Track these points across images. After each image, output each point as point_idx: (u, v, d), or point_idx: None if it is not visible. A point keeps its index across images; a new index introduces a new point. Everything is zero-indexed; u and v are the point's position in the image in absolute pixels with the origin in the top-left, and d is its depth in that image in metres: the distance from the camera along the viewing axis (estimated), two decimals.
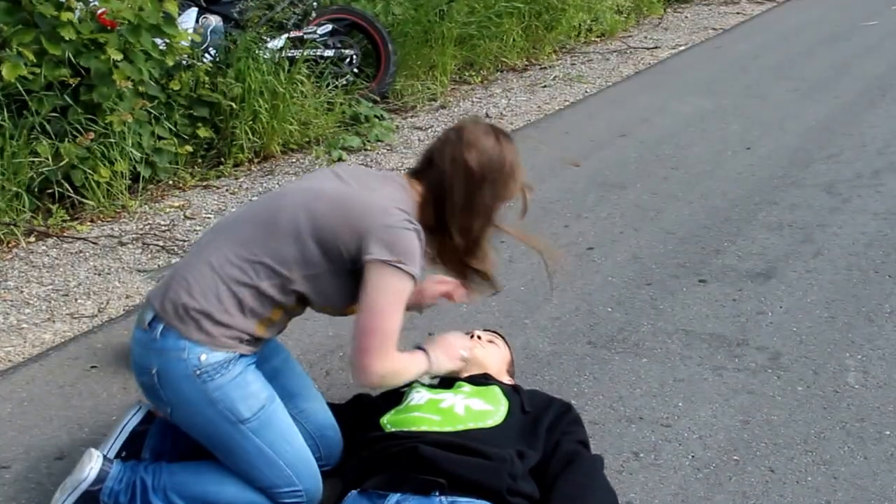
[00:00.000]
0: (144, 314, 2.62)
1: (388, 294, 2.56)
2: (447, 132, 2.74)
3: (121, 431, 2.81)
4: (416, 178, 2.73)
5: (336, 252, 2.56)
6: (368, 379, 2.61)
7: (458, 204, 2.65)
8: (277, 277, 2.56)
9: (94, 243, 4.63)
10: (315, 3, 6.92)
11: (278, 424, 2.63)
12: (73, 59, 4.73)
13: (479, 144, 2.65)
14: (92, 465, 2.64)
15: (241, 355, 2.59)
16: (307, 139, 6.12)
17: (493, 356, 3.13)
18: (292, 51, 6.31)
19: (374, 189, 2.65)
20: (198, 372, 2.51)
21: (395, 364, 2.64)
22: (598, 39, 9.64)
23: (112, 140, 4.88)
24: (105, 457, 2.70)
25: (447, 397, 2.81)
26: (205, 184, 5.46)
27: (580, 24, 9.39)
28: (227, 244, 2.61)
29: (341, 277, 2.61)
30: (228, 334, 2.55)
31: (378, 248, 2.51)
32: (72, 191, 4.85)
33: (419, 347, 2.89)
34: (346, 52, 6.86)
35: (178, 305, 2.54)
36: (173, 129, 5.31)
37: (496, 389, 2.91)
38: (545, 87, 7.84)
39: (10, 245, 4.52)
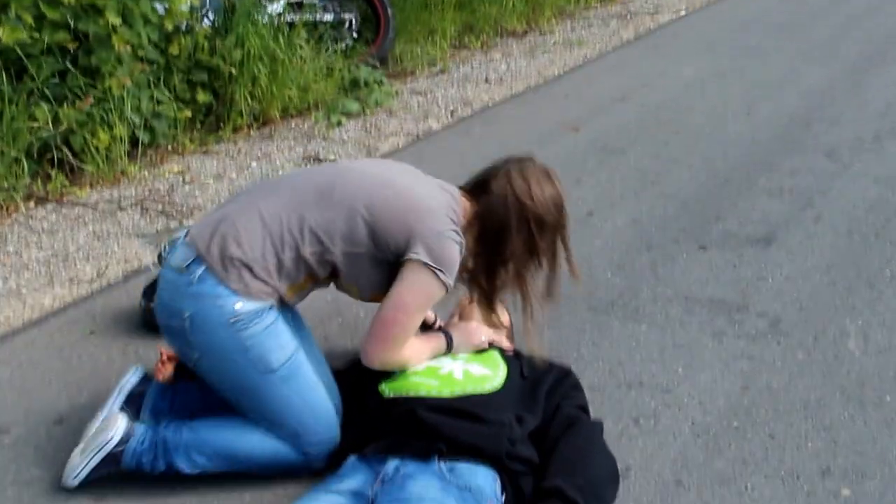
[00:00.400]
0: (178, 255, 2.64)
1: (419, 295, 2.64)
2: (508, 168, 2.80)
3: (118, 393, 2.83)
4: (468, 196, 2.80)
5: (383, 240, 2.61)
6: (369, 363, 2.73)
7: (516, 243, 2.75)
8: (320, 246, 2.60)
9: (93, 208, 4.62)
10: None
11: (304, 373, 2.67)
12: (72, 23, 4.69)
13: (546, 191, 2.78)
14: (119, 426, 2.65)
15: (272, 305, 2.62)
16: (306, 104, 6.09)
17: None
18: (291, 15, 6.27)
19: (431, 194, 2.72)
20: (233, 320, 2.54)
21: (402, 357, 2.74)
22: (598, 4, 9.58)
23: (111, 105, 4.86)
24: (135, 419, 2.72)
25: (445, 363, 2.82)
26: (204, 149, 5.44)
27: None
28: (282, 202, 2.65)
29: (379, 265, 2.66)
30: (262, 288, 2.58)
31: (423, 250, 2.59)
32: (71, 156, 4.83)
33: (442, 330, 2.92)
34: (346, 16, 6.81)
35: (224, 251, 2.56)
36: (172, 94, 5.29)
37: (495, 354, 2.91)
38: (545, 51, 7.79)
39: (9, 210, 4.51)
